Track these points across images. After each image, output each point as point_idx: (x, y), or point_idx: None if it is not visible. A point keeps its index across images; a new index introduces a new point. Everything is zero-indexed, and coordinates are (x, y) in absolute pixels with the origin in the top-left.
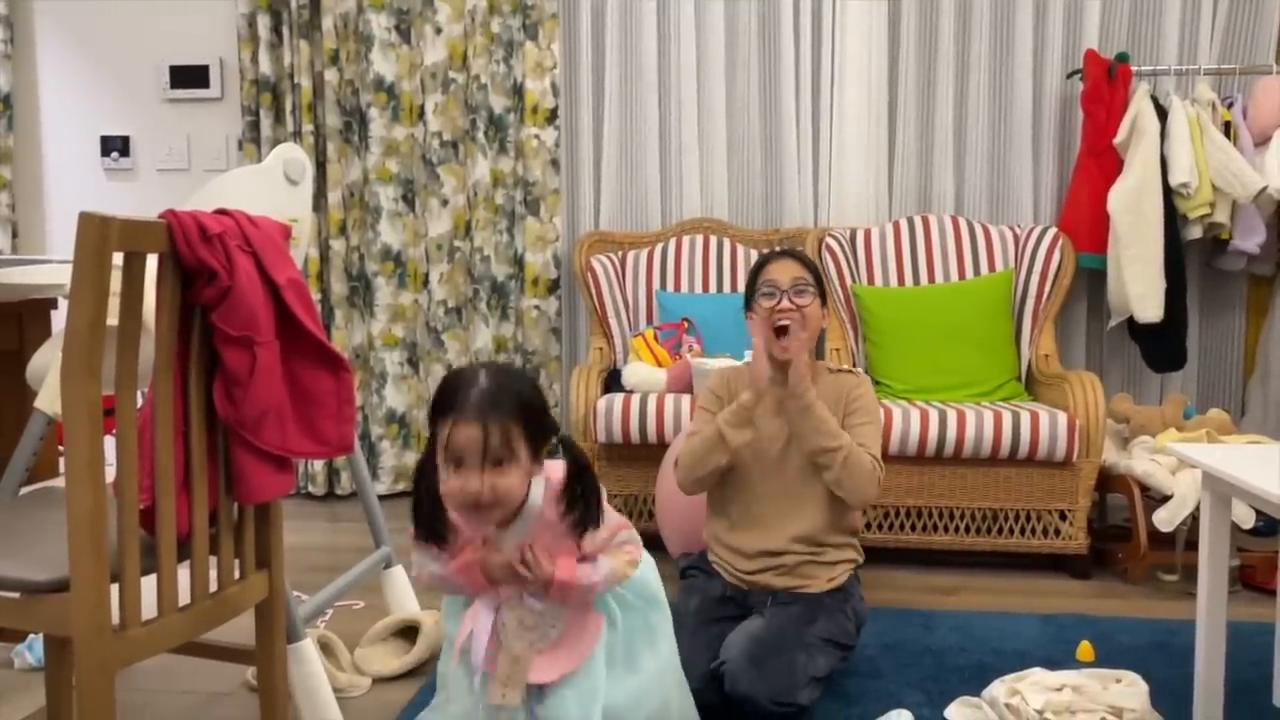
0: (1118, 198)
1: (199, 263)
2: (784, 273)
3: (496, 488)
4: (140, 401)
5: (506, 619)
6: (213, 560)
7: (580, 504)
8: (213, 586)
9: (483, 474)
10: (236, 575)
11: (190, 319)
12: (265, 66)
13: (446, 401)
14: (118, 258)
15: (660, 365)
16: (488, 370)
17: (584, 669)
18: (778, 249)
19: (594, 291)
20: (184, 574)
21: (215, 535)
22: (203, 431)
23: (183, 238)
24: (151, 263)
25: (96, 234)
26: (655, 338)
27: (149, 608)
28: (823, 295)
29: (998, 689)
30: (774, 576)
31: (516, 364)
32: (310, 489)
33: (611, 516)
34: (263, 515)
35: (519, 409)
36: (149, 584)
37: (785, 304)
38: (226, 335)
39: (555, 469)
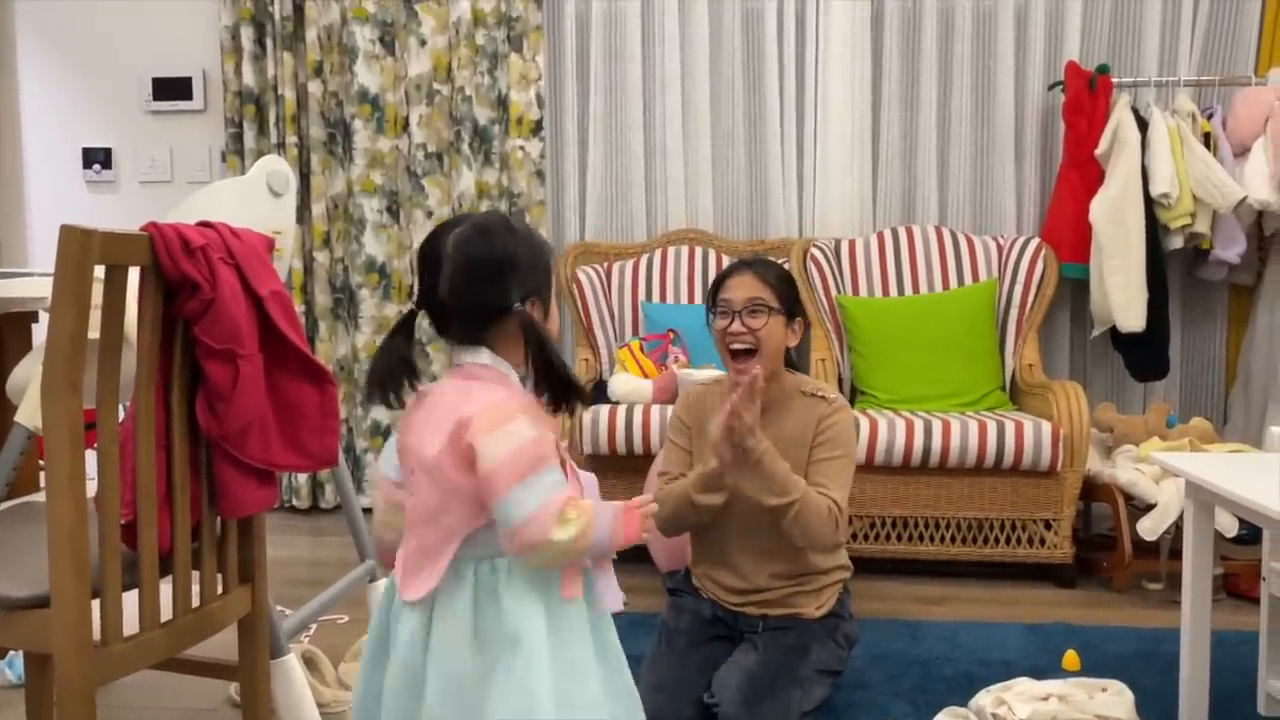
0: (1100, 208)
1: (181, 275)
2: (740, 291)
3: None
4: (122, 415)
5: None
6: (195, 575)
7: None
8: (195, 602)
9: None
10: (219, 590)
11: (173, 332)
12: (249, 78)
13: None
14: (99, 270)
15: (646, 376)
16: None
17: None
18: (743, 259)
19: (580, 303)
20: (166, 589)
21: (198, 550)
22: (185, 445)
23: (165, 250)
24: (133, 276)
25: (78, 247)
26: (641, 349)
27: (130, 623)
28: (790, 310)
29: (984, 699)
30: (760, 608)
31: None
32: (294, 502)
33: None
34: (246, 529)
35: None
36: (130, 599)
37: (737, 326)
38: (209, 348)
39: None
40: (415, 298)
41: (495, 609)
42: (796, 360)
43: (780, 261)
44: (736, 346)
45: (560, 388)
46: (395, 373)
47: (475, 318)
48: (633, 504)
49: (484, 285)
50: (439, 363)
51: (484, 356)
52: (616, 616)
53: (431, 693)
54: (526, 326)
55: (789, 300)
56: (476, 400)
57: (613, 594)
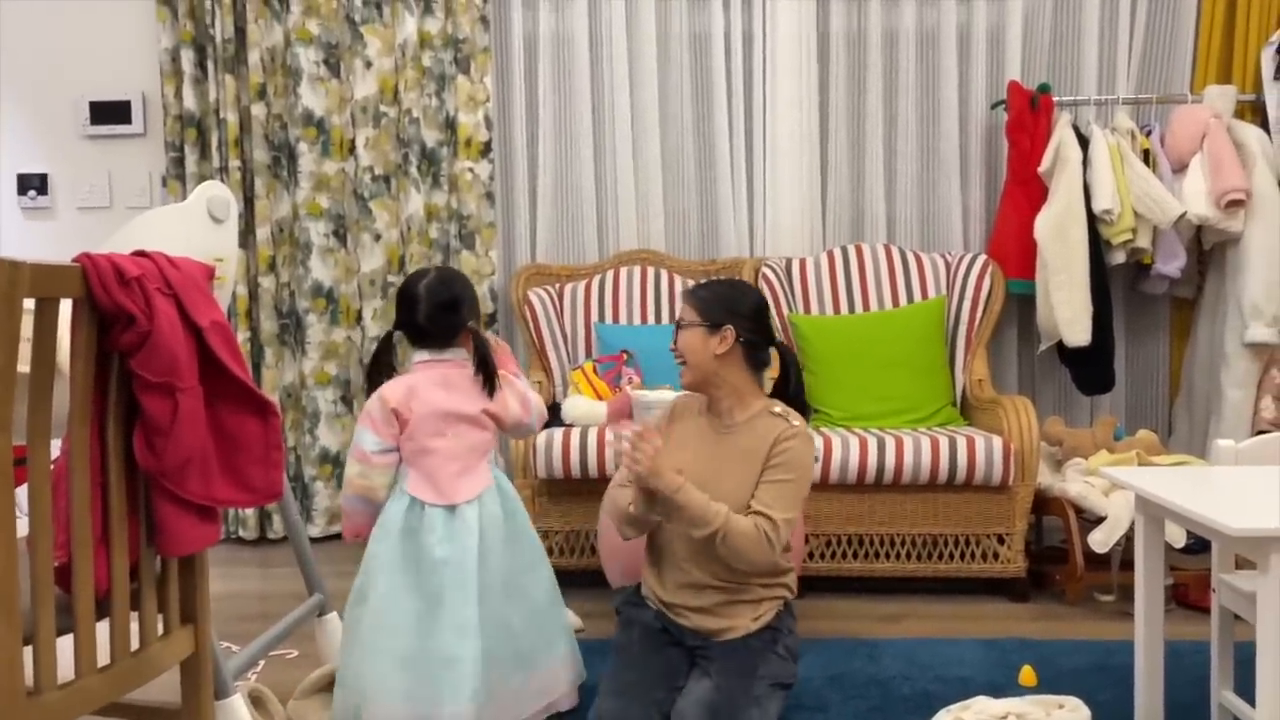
0: (1044, 225)
1: (116, 307)
2: (680, 315)
3: None
4: (55, 452)
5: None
6: (134, 616)
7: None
8: (134, 644)
9: None
10: (160, 631)
11: (108, 365)
12: (190, 101)
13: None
14: (28, 303)
15: (600, 398)
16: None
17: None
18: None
19: (531, 325)
20: (104, 631)
21: (136, 590)
22: (122, 482)
23: (98, 282)
24: (66, 307)
25: (5, 279)
26: (595, 370)
27: (66, 669)
28: (714, 320)
29: (944, 718)
30: (697, 616)
31: None
32: (241, 533)
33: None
34: (187, 567)
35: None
36: (65, 644)
37: (672, 345)
38: (146, 382)
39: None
40: (395, 323)
41: (512, 504)
42: (791, 383)
43: None
44: (678, 363)
45: (488, 371)
46: (386, 376)
47: (449, 334)
48: None
49: (452, 315)
50: None
51: (459, 354)
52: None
53: (490, 572)
54: (476, 335)
55: (714, 312)
56: (476, 384)
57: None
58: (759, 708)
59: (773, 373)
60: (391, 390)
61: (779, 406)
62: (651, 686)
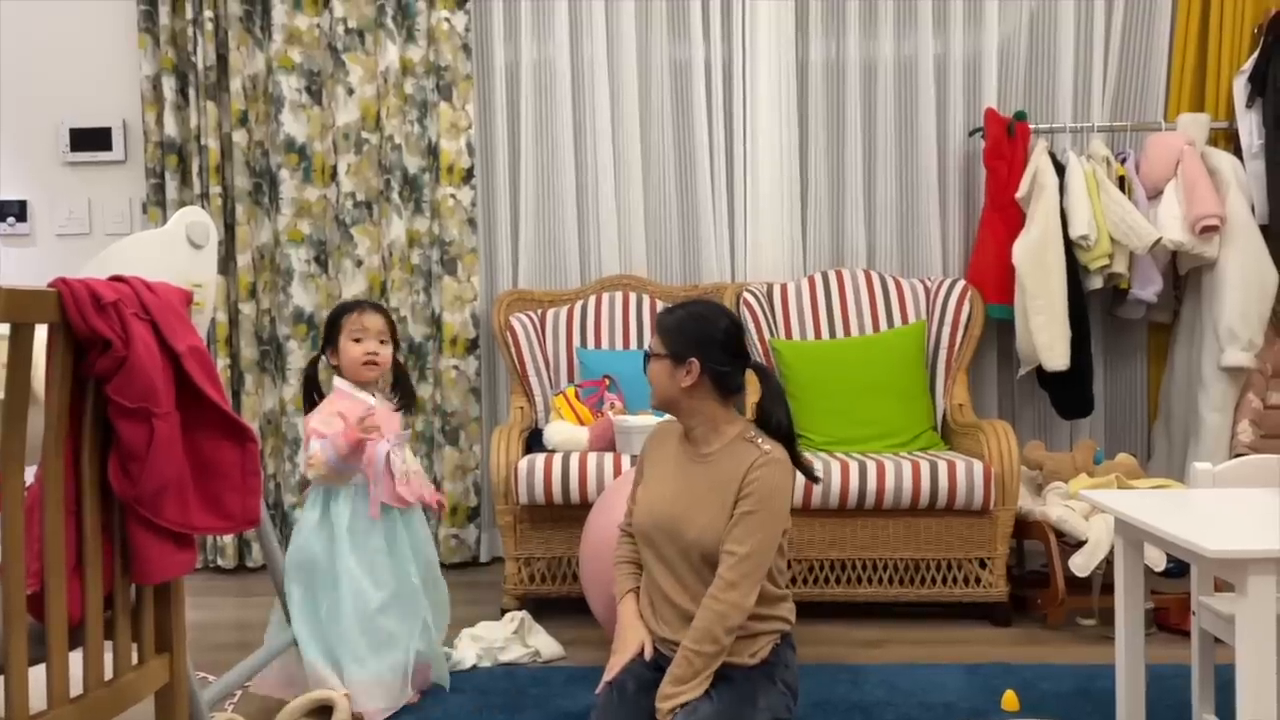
0: (1022, 250)
1: (92, 332)
2: (649, 343)
3: (381, 354)
4: (29, 479)
5: (394, 454)
6: (108, 646)
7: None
8: (108, 674)
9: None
10: (134, 661)
11: (83, 391)
12: (170, 128)
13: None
14: (3, 328)
15: (582, 424)
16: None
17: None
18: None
19: (514, 350)
20: (77, 661)
21: (111, 619)
22: (97, 509)
23: (74, 307)
24: (41, 333)
25: None
26: (577, 395)
27: (38, 700)
28: (678, 354)
29: None
30: None
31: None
32: (219, 562)
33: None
34: (163, 596)
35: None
36: (38, 674)
37: (644, 370)
38: (122, 407)
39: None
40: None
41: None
42: (773, 412)
43: None
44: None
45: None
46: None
47: None
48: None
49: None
50: None
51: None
52: (557, 668)
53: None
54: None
55: (679, 344)
56: None
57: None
58: None
59: (755, 396)
60: None
61: (753, 431)
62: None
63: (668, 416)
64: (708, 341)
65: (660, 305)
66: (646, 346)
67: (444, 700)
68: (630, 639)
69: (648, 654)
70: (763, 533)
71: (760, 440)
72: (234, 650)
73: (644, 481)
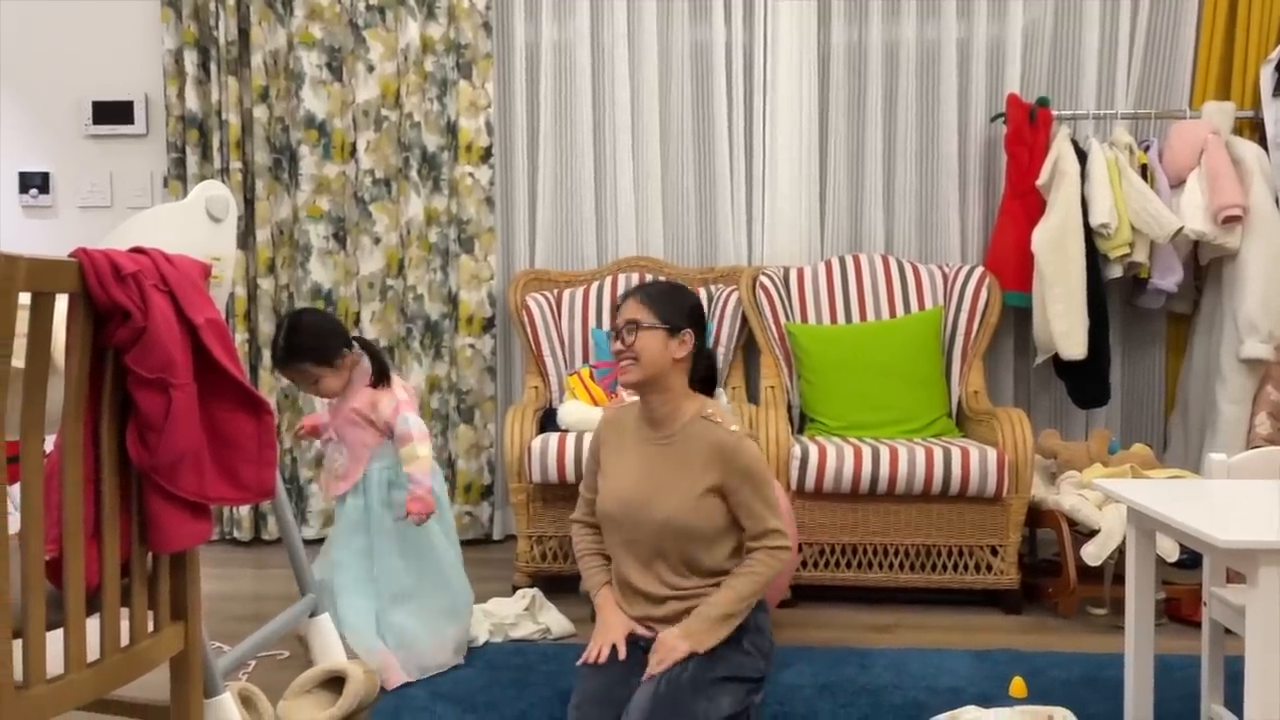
0: (1041, 238)
1: (112, 303)
2: (622, 316)
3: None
4: (48, 447)
5: (330, 451)
6: (125, 612)
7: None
8: (124, 640)
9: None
10: (150, 628)
11: (102, 361)
12: (192, 103)
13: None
14: (24, 297)
15: (596, 404)
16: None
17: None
18: (634, 286)
19: (529, 330)
20: (94, 627)
21: (127, 586)
22: (115, 478)
23: (95, 277)
24: (62, 303)
25: (1, 274)
26: (591, 376)
27: (55, 663)
28: (673, 323)
29: None
30: (662, 627)
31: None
32: (236, 534)
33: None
34: (178, 564)
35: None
36: (55, 638)
37: (619, 345)
38: (140, 378)
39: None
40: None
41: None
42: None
43: (729, 289)
44: (622, 362)
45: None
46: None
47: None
48: None
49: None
50: None
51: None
52: (567, 646)
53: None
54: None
55: (672, 314)
56: None
57: None
58: (707, 699)
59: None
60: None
61: (710, 408)
62: (612, 699)
63: (628, 401)
64: (695, 314)
65: None
66: (618, 320)
67: (453, 674)
68: (613, 623)
69: (638, 630)
70: (770, 495)
71: (716, 416)
72: (249, 621)
73: (603, 470)
